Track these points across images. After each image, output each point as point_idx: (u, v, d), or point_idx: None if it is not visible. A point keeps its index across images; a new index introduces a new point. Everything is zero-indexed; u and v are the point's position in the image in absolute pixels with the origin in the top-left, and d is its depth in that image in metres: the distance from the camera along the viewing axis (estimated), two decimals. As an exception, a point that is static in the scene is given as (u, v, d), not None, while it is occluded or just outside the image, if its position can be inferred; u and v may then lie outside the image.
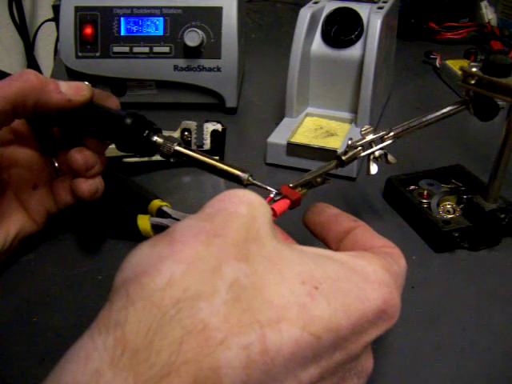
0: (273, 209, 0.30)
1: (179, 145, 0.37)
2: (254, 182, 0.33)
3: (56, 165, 0.42)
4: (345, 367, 0.23)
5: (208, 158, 0.36)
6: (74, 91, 0.36)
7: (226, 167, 0.34)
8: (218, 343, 0.19)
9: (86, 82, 0.39)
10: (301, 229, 0.32)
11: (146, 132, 0.37)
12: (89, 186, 0.39)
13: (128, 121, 0.37)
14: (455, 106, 0.40)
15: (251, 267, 0.21)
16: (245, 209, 0.23)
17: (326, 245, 0.30)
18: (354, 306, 0.22)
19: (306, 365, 0.20)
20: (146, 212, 0.44)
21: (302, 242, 0.28)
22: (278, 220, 0.30)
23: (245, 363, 0.19)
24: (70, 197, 0.41)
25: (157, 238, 0.23)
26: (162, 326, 0.19)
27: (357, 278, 0.23)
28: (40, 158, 0.41)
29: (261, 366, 0.19)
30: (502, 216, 0.41)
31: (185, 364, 0.18)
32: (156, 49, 0.62)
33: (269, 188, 0.32)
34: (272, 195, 0.32)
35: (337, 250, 0.29)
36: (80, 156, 0.38)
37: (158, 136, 0.37)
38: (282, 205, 0.31)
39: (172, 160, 0.37)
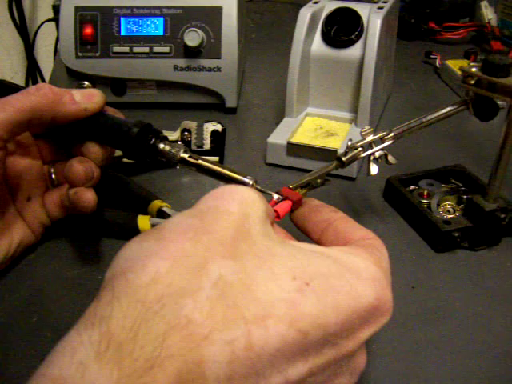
0: (276, 211, 0.30)
1: (185, 152, 0.37)
2: (258, 187, 0.34)
3: (53, 176, 0.42)
4: (336, 363, 0.23)
5: (213, 164, 0.36)
6: (88, 99, 0.37)
7: (230, 173, 0.35)
8: (201, 338, 0.19)
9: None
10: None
11: (153, 140, 0.37)
12: (94, 195, 0.37)
13: (135, 130, 0.37)
14: (455, 106, 0.41)
15: (239, 265, 0.21)
16: (236, 206, 0.24)
17: (308, 235, 0.31)
18: (345, 302, 0.22)
19: (293, 361, 0.21)
20: (146, 212, 0.44)
21: (300, 239, 0.28)
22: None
23: (229, 358, 0.19)
24: (59, 211, 0.41)
25: (146, 233, 0.23)
26: (146, 321, 0.19)
27: (349, 275, 0.23)
28: (38, 168, 0.41)
29: (245, 361, 0.19)
30: (502, 216, 0.41)
31: (169, 358, 0.18)
32: (156, 49, 0.62)
33: (273, 194, 0.33)
34: (275, 198, 0.32)
35: (318, 240, 0.29)
36: (81, 166, 0.37)
37: (164, 143, 0.37)
38: (285, 206, 0.32)
39: (178, 167, 0.37)
